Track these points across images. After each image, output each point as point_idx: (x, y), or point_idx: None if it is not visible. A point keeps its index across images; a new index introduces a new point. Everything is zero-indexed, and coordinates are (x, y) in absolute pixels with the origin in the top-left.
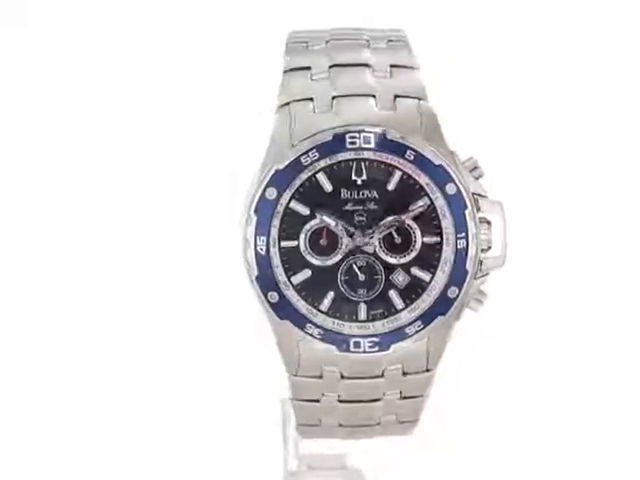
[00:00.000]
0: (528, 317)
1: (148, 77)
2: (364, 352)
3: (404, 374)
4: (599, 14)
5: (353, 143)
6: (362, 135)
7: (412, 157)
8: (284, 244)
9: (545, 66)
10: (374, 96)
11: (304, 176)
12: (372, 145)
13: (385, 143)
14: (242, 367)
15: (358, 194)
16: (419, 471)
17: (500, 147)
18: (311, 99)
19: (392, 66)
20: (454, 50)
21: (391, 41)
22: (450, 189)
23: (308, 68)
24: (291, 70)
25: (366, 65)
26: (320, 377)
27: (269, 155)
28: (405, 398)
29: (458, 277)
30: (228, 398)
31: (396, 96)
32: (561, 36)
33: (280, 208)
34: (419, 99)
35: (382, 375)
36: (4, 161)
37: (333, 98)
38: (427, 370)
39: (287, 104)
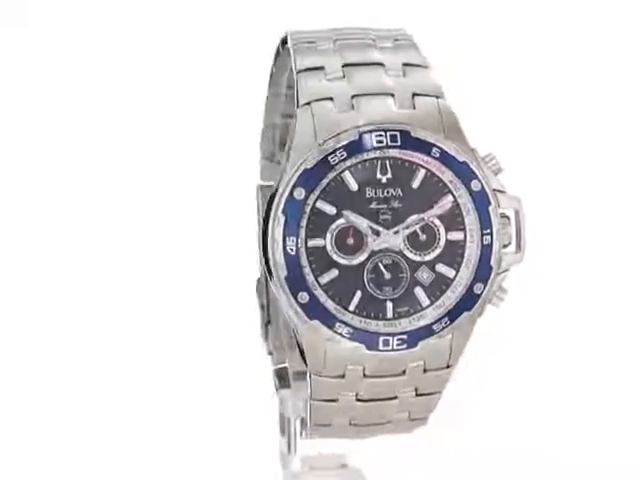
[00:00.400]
0: (530, 315)
1: (152, 75)
2: (392, 350)
3: (425, 371)
4: (611, 11)
5: (380, 142)
6: (388, 134)
7: (438, 154)
8: (311, 244)
9: (547, 62)
10: (392, 95)
11: (331, 175)
12: (398, 143)
13: (410, 141)
14: (239, 368)
15: (383, 192)
16: (419, 471)
17: (506, 143)
18: (331, 99)
19: (405, 65)
20: (451, 49)
21: (397, 40)
22: (475, 186)
23: (321, 68)
24: (305, 70)
25: (379, 64)
26: (342, 376)
27: (293, 155)
28: (420, 395)
29: (483, 273)
30: (227, 398)
31: (414, 94)
32: (565, 34)
33: (307, 208)
34: (437, 97)
35: (404, 373)
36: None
37: (352, 97)
38: (447, 366)
39: (308, 104)
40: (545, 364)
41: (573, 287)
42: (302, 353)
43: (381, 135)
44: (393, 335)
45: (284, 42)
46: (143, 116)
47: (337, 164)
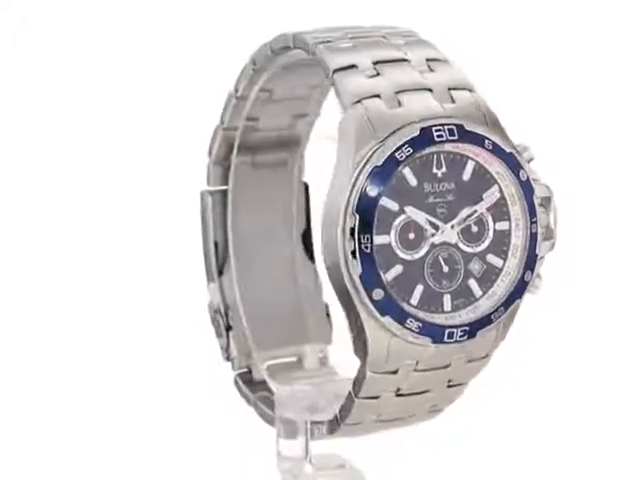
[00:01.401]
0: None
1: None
2: (455, 342)
3: (468, 362)
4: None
5: (440, 136)
6: (446, 128)
7: (490, 146)
8: (377, 241)
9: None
10: (430, 90)
11: (397, 172)
12: (456, 137)
13: (465, 134)
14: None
15: (438, 186)
16: (419, 471)
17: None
18: (378, 96)
19: (428, 60)
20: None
21: (406, 37)
22: (522, 175)
23: (355, 66)
24: (341, 69)
25: (405, 60)
26: (395, 372)
27: (346, 153)
28: (451, 387)
29: (532, 261)
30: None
31: (449, 88)
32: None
33: (378, 206)
34: (470, 90)
35: (449, 365)
36: None
37: (396, 94)
38: (486, 355)
39: (359, 101)
40: (545, 364)
41: (580, 286)
42: (359, 351)
43: (440, 130)
44: (456, 327)
45: (290, 43)
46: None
47: (403, 160)
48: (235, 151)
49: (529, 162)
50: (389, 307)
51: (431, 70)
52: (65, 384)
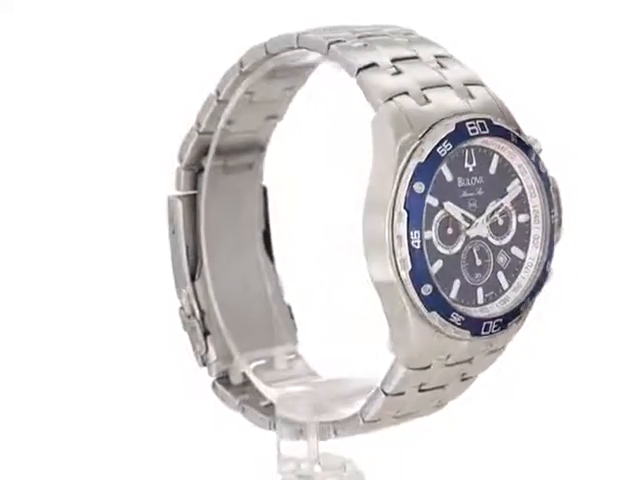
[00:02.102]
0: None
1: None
2: (490, 334)
3: (489, 353)
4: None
5: (473, 131)
6: (477, 122)
7: (516, 140)
8: (426, 237)
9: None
10: (449, 86)
11: (438, 167)
12: (487, 131)
13: (494, 129)
14: None
15: (470, 181)
16: (419, 471)
17: None
18: (407, 93)
19: (437, 57)
20: None
21: (407, 35)
22: (542, 168)
23: (376, 64)
24: (365, 68)
25: (417, 57)
26: (427, 368)
27: (384, 150)
28: (463, 380)
29: (551, 251)
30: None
31: (465, 84)
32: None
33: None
34: (482, 85)
35: (472, 358)
36: None
37: (422, 90)
38: (502, 347)
39: (390, 99)
40: (546, 363)
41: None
42: (398, 347)
43: (473, 124)
44: (491, 320)
45: (293, 43)
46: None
47: (444, 156)
48: (210, 155)
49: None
50: (436, 302)
51: (442, 67)
52: (40, 395)
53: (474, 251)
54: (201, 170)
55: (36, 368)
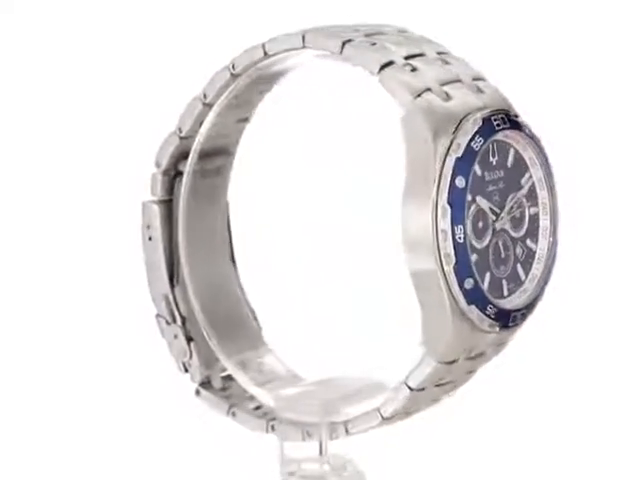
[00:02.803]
0: None
1: None
2: (515, 325)
3: (498, 345)
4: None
5: (498, 125)
6: (499, 116)
7: (529, 132)
8: (467, 231)
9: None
10: (461, 81)
11: (475, 161)
12: (508, 125)
13: (513, 122)
14: None
15: (493, 174)
16: (419, 471)
17: None
18: (429, 89)
19: (439, 54)
20: None
21: (402, 32)
22: (550, 160)
23: (393, 63)
24: (385, 66)
25: (424, 55)
26: (453, 362)
27: (419, 147)
28: (468, 373)
29: (557, 242)
30: None
31: (473, 79)
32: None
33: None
34: (485, 80)
35: (486, 351)
36: None
37: (441, 86)
38: (507, 340)
39: (420, 95)
40: (545, 362)
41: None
42: (431, 342)
43: (496, 119)
44: (517, 311)
45: (297, 43)
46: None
47: (478, 151)
48: (191, 160)
49: None
50: (476, 295)
51: (447, 63)
52: (22, 408)
53: (499, 244)
54: (177, 175)
55: (15, 379)
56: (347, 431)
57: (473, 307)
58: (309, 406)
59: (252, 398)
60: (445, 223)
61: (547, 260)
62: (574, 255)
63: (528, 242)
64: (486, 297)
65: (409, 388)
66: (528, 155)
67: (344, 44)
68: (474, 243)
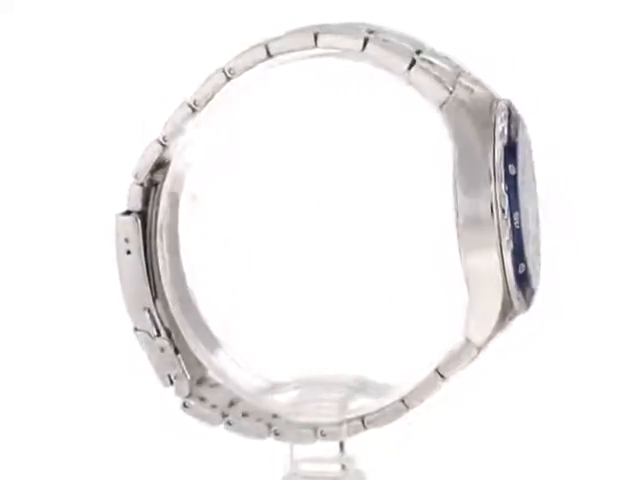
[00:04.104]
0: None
1: None
2: (528, 305)
3: None
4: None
5: (512, 111)
6: (506, 104)
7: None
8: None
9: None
10: (463, 72)
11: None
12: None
13: (512, 108)
14: None
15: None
16: (419, 471)
17: None
18: (456, 82)
19: (427, 48)
20: None
21: (387, 31)
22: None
23: (415, 61)
24: (411, 65)
25: (422, 50)
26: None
27: (469, 137)
28: None
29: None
30: None
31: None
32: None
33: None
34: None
35: None
36: None
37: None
38: None
39: (454, 88)
40: (544, 362)
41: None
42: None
43: (508, 106)
44: (532, 293)
45: (309, 43)
46: None
47: (515, 139)
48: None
49: None
50: (524, 279)
51: (436, 57)
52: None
53: (523, 226)
54: (153, 185)
55: None
56: (365, 427)
57: (520, 293)
58: (327, 408)
59: None
60: (505, 210)
61: (538, 244)
62: (574, 255)
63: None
64: (529, 282)
65: (441, 377)
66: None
67: (366, 42)
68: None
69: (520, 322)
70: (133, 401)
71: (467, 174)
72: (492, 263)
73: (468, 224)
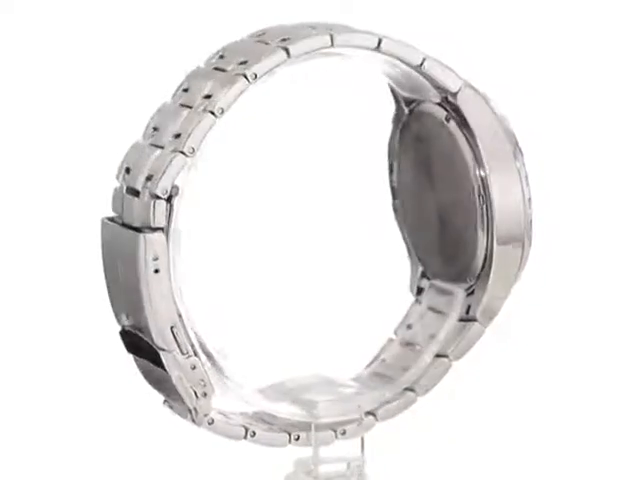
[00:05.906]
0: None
1: None
2: None
3: None
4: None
5: None
6: None
7: None
8: None
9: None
10: None
11: None
12: None
13: None
14: None
15: None
16: (419, 471)
17: None
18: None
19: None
20: None
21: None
22: None
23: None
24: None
25: None
26: None
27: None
28: None
29: None
30: None
31: None
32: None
33: None
34: None
35: None
36: None
37: None
38: None
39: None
40: (543, 361)
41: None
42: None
43: None
44: None
45: (327, 42)
46: None
47: None
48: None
49: None
50: None
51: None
52: None
53: None
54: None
55: None
56: (377, 419)
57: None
58: (347, 408)
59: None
60: (529, 190)
61: None
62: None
63: None
64: None
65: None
66: None
67: (381, 40)
68: None
69: (520, 319)
70: (133, 401)
71: (496, 159)
72: (519, 241)
73: (504, 208)
